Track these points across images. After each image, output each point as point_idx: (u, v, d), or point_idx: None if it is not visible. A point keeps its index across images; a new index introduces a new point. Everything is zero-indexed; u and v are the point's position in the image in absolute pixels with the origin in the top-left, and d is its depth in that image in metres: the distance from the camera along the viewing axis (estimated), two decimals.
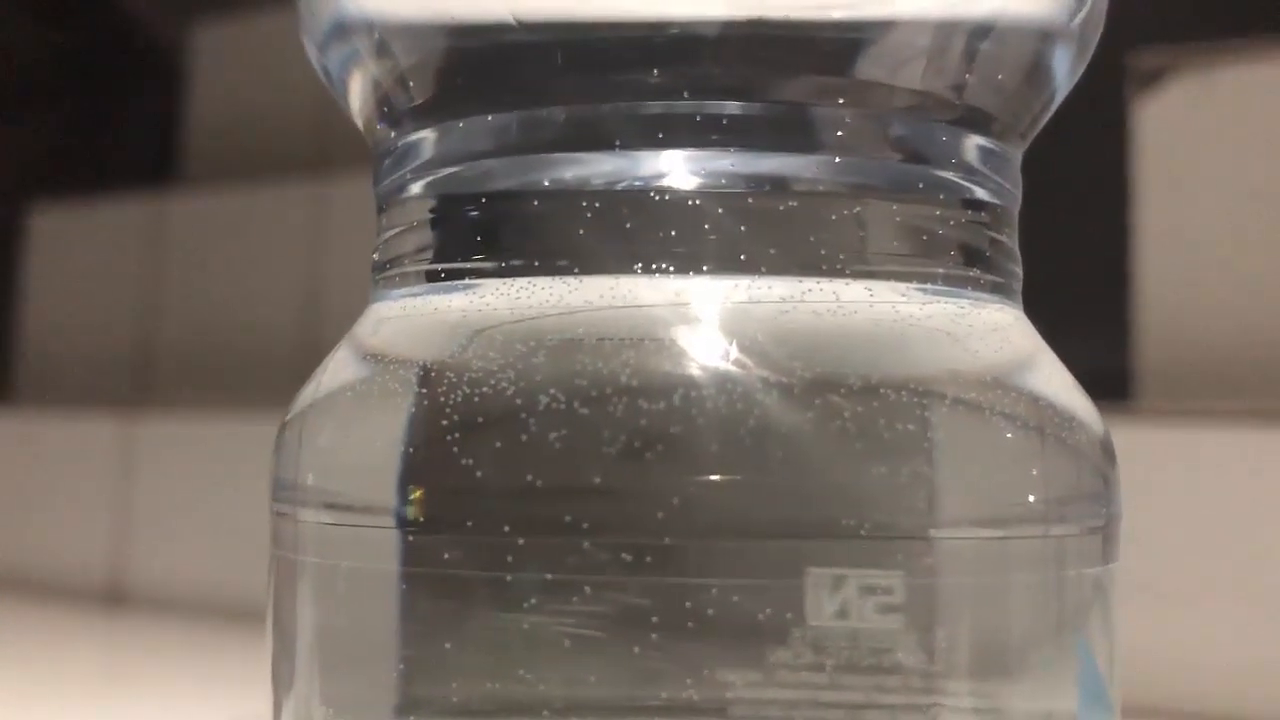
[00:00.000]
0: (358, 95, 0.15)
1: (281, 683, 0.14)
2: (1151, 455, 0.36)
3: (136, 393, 0.64)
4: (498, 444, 0.12)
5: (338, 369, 0.15)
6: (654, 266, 0.13)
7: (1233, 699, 0.34)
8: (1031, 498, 0.13)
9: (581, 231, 0.13)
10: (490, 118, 0.14)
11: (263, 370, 0.58)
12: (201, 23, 0.69)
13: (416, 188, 0.15)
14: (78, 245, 0.68)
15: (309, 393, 0.15)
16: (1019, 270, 0.15)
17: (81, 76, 0.75)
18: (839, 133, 0.14)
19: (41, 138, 0.75)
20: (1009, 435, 0.13)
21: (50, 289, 0.69)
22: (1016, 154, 0.15)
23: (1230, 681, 0.34)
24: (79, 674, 0.41)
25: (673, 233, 0.13)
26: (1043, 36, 0.15)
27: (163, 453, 0.56)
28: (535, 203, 0.14)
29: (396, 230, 0.15)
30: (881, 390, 0.13)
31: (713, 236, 0.13)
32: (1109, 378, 0.41)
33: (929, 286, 0.14)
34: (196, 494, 0.53)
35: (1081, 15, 0.15)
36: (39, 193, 0.71)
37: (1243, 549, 0.35)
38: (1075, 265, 0.46)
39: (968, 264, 0.14)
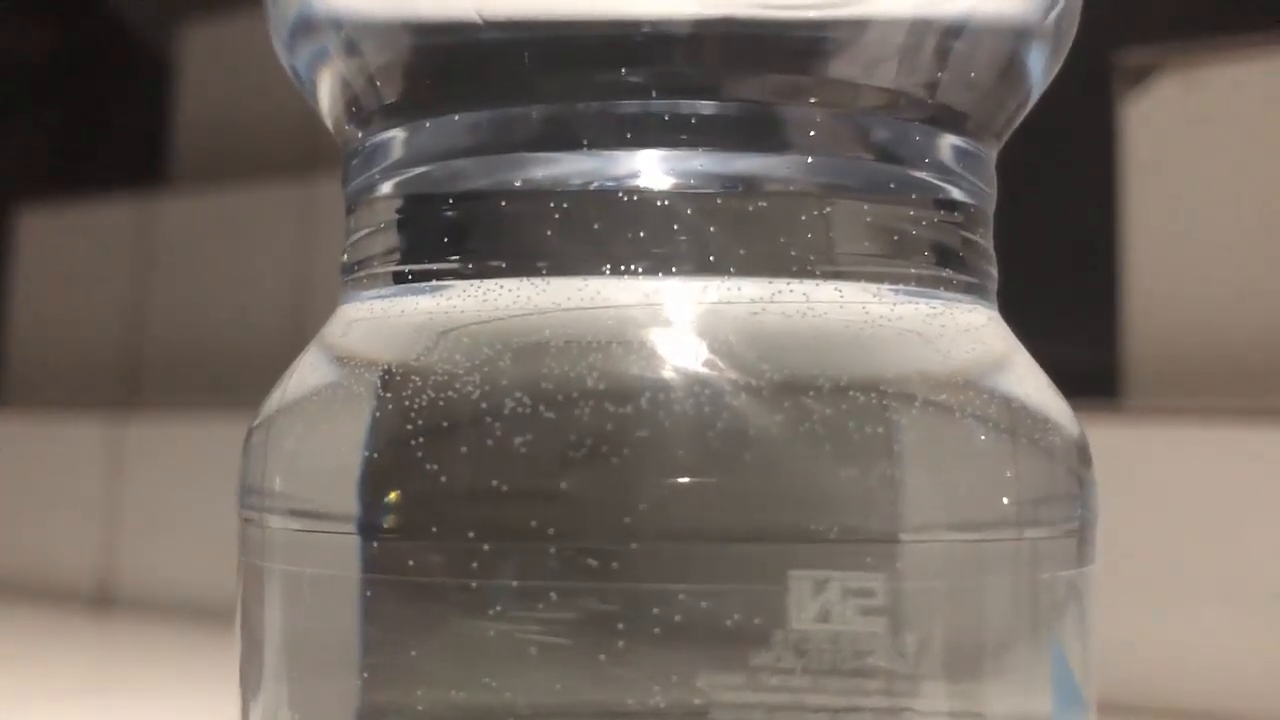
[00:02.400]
0: (326, 94, 0.15)
1: (249, 689, 0.14)
2: (1139, 453, 0.36)
3: (125, 394, 0.64)
4: (463, 448, 0.12)
5: (305, 372, 0.15)
6: (623, 268, 0.13)
7: (1219, 696, 0.34)
8: (1005, 500, 0.13)
9: (549, 232, 0.13)
10: (457, 117, 0.14)
11: (251, 371, 0.58)
12: (189, 23, 0.69)
13: (385, 188, 0.15)
14: (66, 246, 0.68)
15: (276, 397, 0.15)
16: (993, 270, 0.15)
17: (69, 77, 0.75)
18: (810, 132, 0.14)
19: (29, 138, 0.75)
20: (981, 437, 0.13)
21: (38, 290, 0.69)
22: (991, 153, 0.15)
23: (1216, 678, 0.34)
24: (68, 677, 0.41)
25: (642, 234, 0.13)
26: (1017, 35, 0.15)
27: (151, 454, 0.56)
28: (503, 203, 0.14)
29: (365, 231, 0.15)
30: (851, 392, 0.12)
31: (682, 237, 0.13)
32: (1096, 376, 0.41)
33: (901, 287, 0.14)
34: (185, 496, 0.53)
35: (1055, 12, 0.15)
36: (26, 193, 0.70)
37: (1229, 546, 0.35)
38: (1062, 263, 0.46)
39: (940, 264, 0.14)
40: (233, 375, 0.58)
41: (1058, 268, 0.46)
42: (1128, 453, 0.36)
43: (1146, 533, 0.35)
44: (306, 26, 0.15)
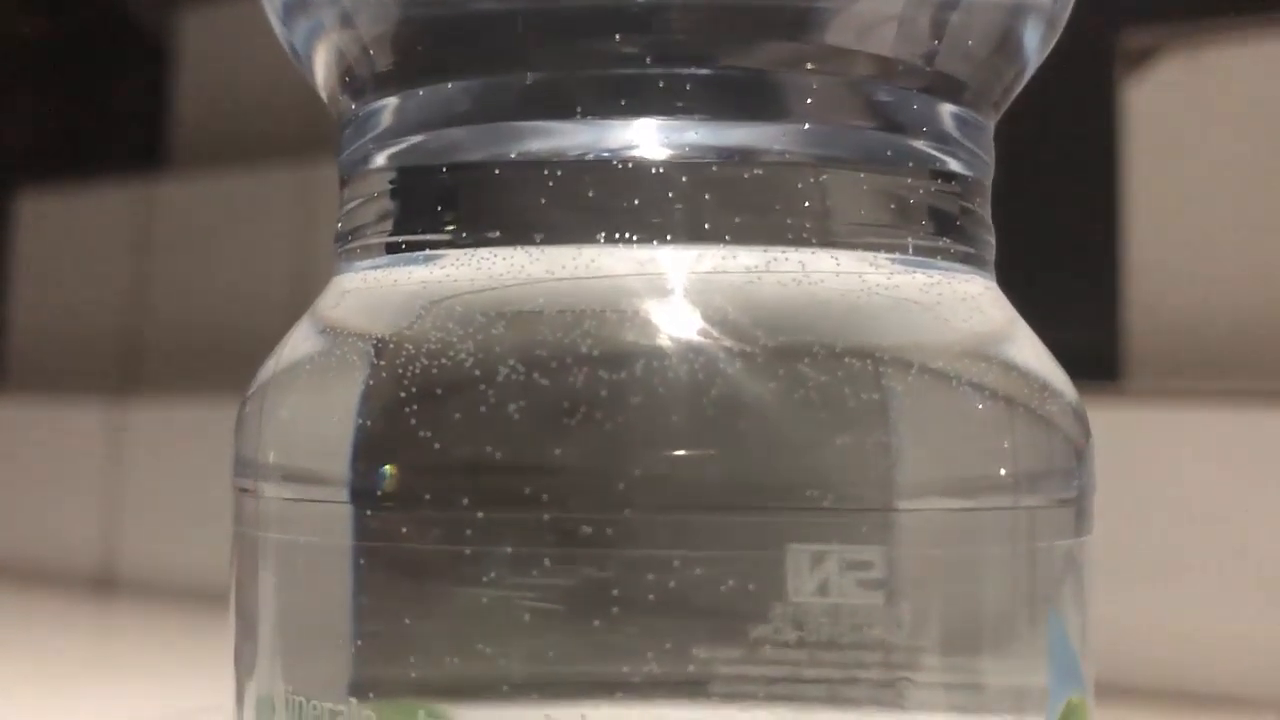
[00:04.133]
0: (322, 67, 0.15)
1: (243, 659, 0.14)
2: (1139, 435, 0.36)
3: (126, 378, 0.64)
4: (456, 416, 0.12)
5: (298, 342, 0.15)
6: (617, 236, 0.13)
7: (1219, 676, 0.34)
8: (1002, 469, 0.13)
9: (543, 201, 0.13)
10: (450, 85, 0.14)
11: (252, 355, 0.58)
12: (188, 6, 0.68)
13: (378, 158, 0.15)
14: (66, 231, 0.68)
15: (270, 366, 0.15)
16: (991, 240, 0.15)
17: (69, 61, 0.75)
18: (806, 100, 0.13)
19: (28, 122, 0.75)
20: (979, 405, 0.13)
21: (38, 275, 0.69)
22: (989, 123, 0.15)
23: (1216, 659, 0.34)
24: (70, 660, 0.41)
25: (636, 202, 0.13)
26: (1013, 7, 0.15)
27: (152, 438, 0.56)
28: (496, 172, 0.14)
29: (358, 201, 0.15)
30: (847, 359, 0.12)
31: (677, 206, 0.13)
32: (1097, 359, 0.41)
33: (898, 256, 0.14)
34: (186, 479, 0.53)
35: None
36: (26, 178, 0.70)
37: (1230, 528, 0.35)
38: (1064, 246, 0.46)
39: (938, 233, 0.14)
40: (233, 358, 0.58)
41: (1059, 250, 0.46)
42: (1129, 435, 0.36)
43: (1147, 514, 0.35)
44: (302, 1, 0.15)
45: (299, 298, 0.56)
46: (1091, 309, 0.43)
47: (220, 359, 0.59)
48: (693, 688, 0.12)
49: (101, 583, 0.56)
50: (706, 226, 0.13)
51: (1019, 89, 0.16)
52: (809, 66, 0.13)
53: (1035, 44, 0.15)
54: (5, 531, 0.59)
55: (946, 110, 0.14)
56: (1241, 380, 0.38)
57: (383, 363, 0.13)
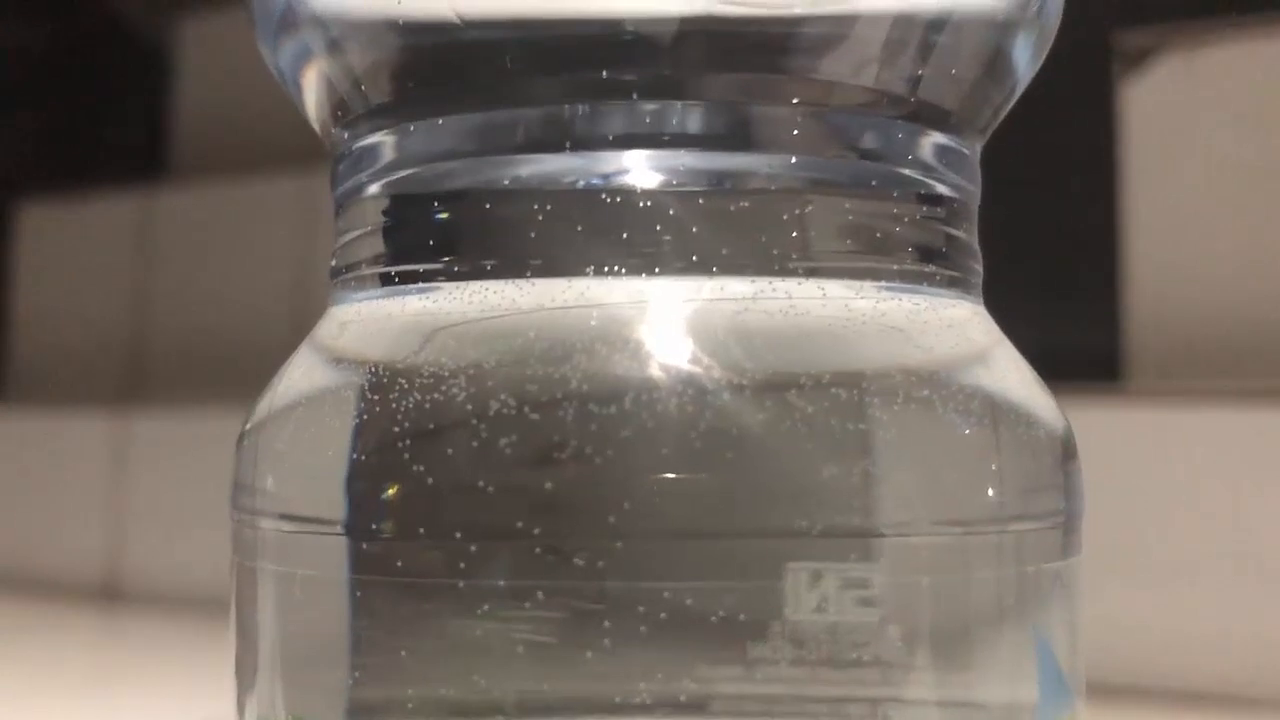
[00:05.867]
0: (312, 96, 0.15)
1: (243, 688, 0.14)
2: (1140, 436, 0.36)
3: (129, 388, 0.64)
4: (449, 450, 0.12)
5: (294, 375, 0.15)
6: (607, 268, 0.13)
7: (1222, 676, 0.34)
8: (989, 494, 0.13)
9: (534, 234, 0.13)
10: (441, 120, 0.14)
11: (254, 364, 0.58)
12: (188, 17, 0.68)
13: (372, 190, 0.15)
14: (67, 241, 0.68)
15: (266, 400, 0.15)
16: (978, 265, 0.15)
17: (69, 71, 0.75)
18: (793, 131, 0.14)
19: (29, 133, 0.75)
20: (965, 432, 0.13)
21: (39, 285, 0.69)
22: (975, 148, 0.15)
23: (1219, 658, 0.34)
24: (75, 670, 0.42)
25: (625, 234, 0.13)
26: (1002, 28, 0.15)
27: (156, 448, 0.56)
28: (488, 205, 0.14)
29: (353, 234, 0.15)
30: (833, 389, 0.13)
31: (665, 237, 0.13)
32: (1098, 359, 0.41)
33: (884, 284, 0.14)
34: (190, 488, 0.53)
35: (1039, 3, 0.15)
36: (27, 188, 0.70)
37: (1231, 527, 0.35)
38: (1063, 247, 0.46)
39: (924, 260, 0.14)
40: (235, 368, 0.58)
41: (1059, 252, 0.46)
42: (1130, 435, 0.36)
43: (1149, 514, 0.35)
44: (289, 24, 0.15)
45: (301, 307, 0.57)
46: (1091, 309, 0.43)
47: (223, 368, 0.59)
48: (691, 710, 0.12)
49: (106, 593, 0.56)
50: (695, 258, 0.13)
51: (1005, 112, 0.16)
52: (795, 100, 0.14)
53: (1024, 64, 0.15)
54: (10, 543, 0.59)
55: (932, 139, 0.14)
56: (1241, 380, 0.38)
57: (377, 397, 0.13)
